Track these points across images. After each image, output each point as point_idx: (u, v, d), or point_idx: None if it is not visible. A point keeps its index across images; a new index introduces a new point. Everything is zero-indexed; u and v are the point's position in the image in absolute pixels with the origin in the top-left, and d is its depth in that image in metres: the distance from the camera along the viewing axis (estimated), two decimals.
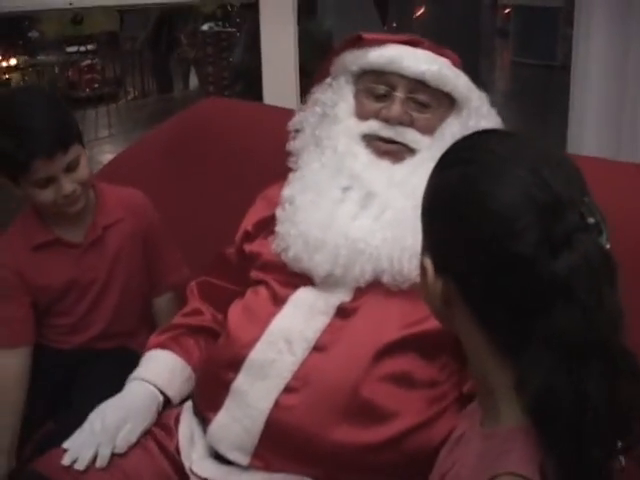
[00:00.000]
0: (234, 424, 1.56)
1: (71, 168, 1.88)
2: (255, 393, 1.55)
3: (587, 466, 0.95)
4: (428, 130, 1.70)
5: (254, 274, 1.74)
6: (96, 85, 9.12)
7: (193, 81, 9.90)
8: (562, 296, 0.96)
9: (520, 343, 0.99)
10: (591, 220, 0.98)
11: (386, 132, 1.70)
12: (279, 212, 1.72)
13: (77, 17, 9.24)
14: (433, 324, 1.52)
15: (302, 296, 1.63)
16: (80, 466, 1.54)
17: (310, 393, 1.52)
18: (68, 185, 1.87)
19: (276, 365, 1.56)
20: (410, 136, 1.70)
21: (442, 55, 1.75)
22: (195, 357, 1.80)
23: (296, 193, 1.71)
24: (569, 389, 0.95)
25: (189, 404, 1.73)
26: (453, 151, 1.12)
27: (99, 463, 1.55)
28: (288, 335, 1.58)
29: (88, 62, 9.34)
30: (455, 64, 1.76)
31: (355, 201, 1.66)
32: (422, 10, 8.15)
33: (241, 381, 1.58)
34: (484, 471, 1.00)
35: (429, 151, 1.65)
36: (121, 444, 1.60)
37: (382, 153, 1.70)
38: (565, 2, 8.70)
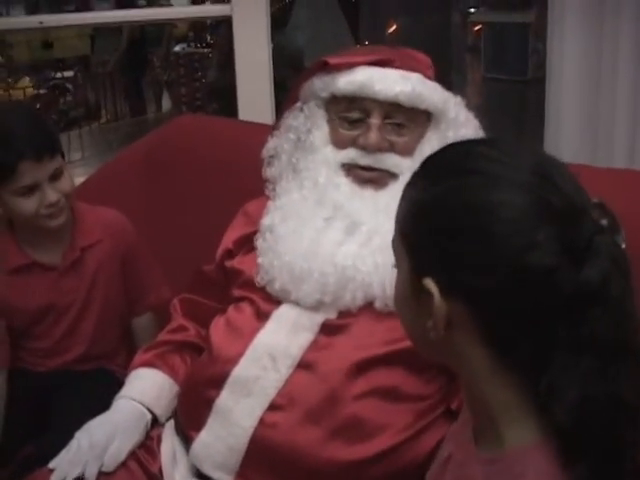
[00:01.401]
0: (218, 443, 1.54)
1: (55, 177, 1.84)
2: (239, 411, 1.53)
3: (624, 471, 0.92)
4: (407, 152, 1.66)
5: (236, 292, 1.71)
6: (69, 109, 9.07)
7: (166, 104, 9.87)
8: (594, 302, 0.91)
9: (539, 356, 0.95)
10: (604, 221, 0.94)
11: (365, 160, 1.66)
12: (259, 243, 1.70)
13: (48, 41, 9.19)
14: None
15: (285, 312, 1.61)
16: None
17: (295, 410, 1.50)
18: (52, 194, 1.83)
19: (260, 382, 1.53)
20: (390, 161, 1.66)
21: (414, 68, 1.70)
22: (181, 374, 1.76)
23: (277, 222, 1.68)
24: (606, 394, 0.91)
25: (171, 423, 1.70)
26: (442, 162, 1.05)
27: None
28: (272, 351, 1.55)
29: (61, 86, 9.28)
30: (428, 74, 1.72)
31: (339, 229, 1.63)
32: (394, 27, 8.17)
33: (224, 398, 1.55)
34: None
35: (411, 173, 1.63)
36: (109, 462, 1.57)
37: (364, 181, 1.66)
38: (535, 17, 8.76)
